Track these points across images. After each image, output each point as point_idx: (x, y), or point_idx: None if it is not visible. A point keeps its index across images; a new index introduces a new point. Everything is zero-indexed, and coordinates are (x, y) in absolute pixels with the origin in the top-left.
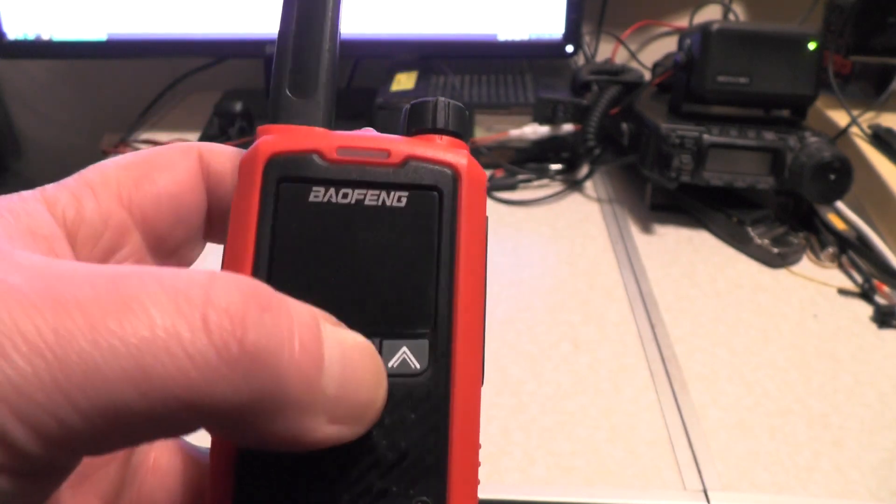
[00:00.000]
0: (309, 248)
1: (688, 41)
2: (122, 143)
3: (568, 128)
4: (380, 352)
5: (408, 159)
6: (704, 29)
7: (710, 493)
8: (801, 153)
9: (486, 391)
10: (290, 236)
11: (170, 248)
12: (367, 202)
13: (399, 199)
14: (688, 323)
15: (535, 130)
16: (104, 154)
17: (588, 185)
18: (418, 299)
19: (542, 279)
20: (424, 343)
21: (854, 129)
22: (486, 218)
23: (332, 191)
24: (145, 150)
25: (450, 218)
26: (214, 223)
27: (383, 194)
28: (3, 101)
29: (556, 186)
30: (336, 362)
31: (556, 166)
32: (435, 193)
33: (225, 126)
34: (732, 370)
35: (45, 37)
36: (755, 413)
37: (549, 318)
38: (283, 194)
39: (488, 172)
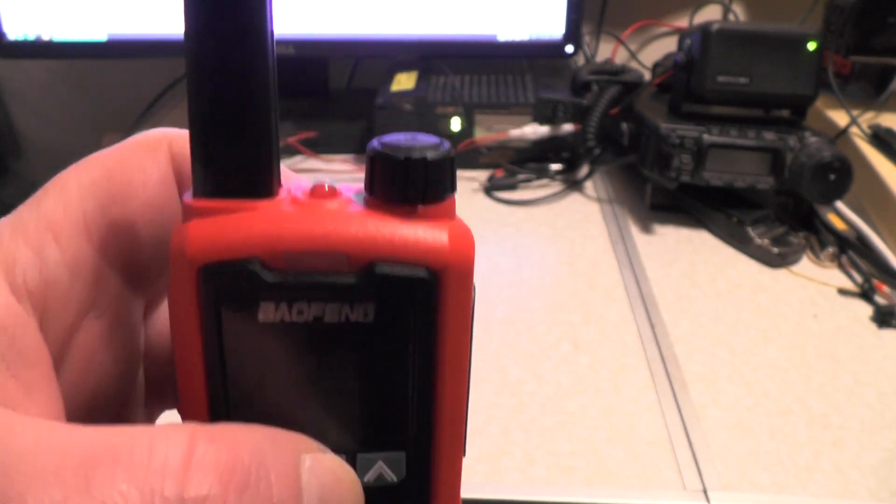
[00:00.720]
0: (268, 373)
1: (688, 41)
2: None
3: (568, 128)
4: (353, 465)
5: (372, 263)
6: (704, 29)
7: (710, 493)
8: (801, 153)
9: (486, 391)
10: (243, 363)
11: (152, 274)
12: (326, 319)
13: (365, 314)
14: (688, 323)
15: (535, 130)
16: None
17: (588, 185)
18: (393, 414)
19: (542, 279)
20: (401, 455)
21: (854, 129)
22: (472, 299)
23: (283, 307)
24: (109, 157)
25: (427, 325)
26: None
27: (346, 308)
28: (3, 101)
29: (556, 186)
30: (314, 498)
31: (556, 166)
32: (408, 303)
33: None
34: (732, 370)
35: (45, 37)
36: (755, 413)
37: (549, 318)
38: (226, 315)
39: (488, 172)
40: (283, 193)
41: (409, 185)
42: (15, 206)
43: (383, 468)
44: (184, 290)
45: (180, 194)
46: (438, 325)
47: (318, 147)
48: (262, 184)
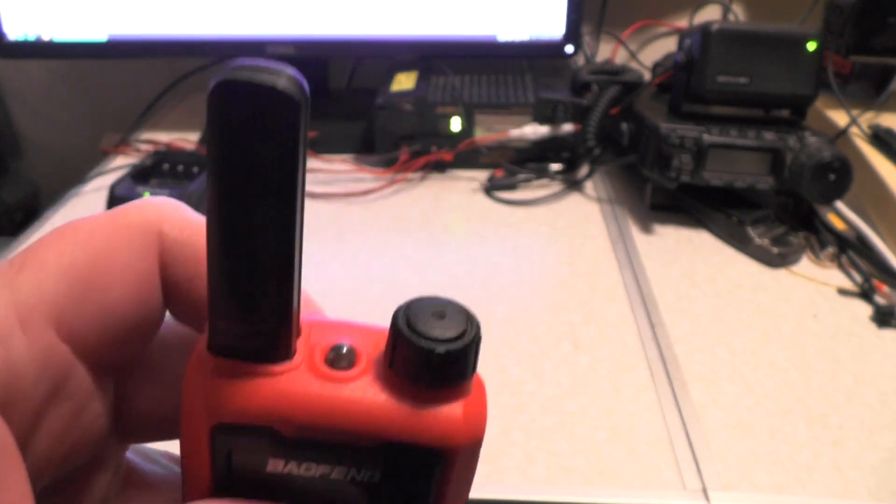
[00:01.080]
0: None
1: (688, 41)
2: (123, 143)
3: (568, 128)
4: None
5: (387, 443)
6: (704, 29)
7: (710, 493)
8: (801, 153)
9: (486, 391)
10: (250, 490)
11: (123, 359)
12: (332, 476)
13: (371, 476)
14: (688, 323)
15: (535, 130)
16: (104, 154)
17: (588, 185)
18: None
19: (542, 279)
20: None
21: (854, 129)
22: (476, 464)
23: (292, 464)
24: (95, 237)
25: (432, 487)
26: (172, 302)
27: (353, 471)
28: (3, 101)
29: (556, 186)
30: None
31: (556, 166)
32: (415, 471)
33: None
34: (732, 370)
35: (45, 37)
36: (755, 413)
37: (549, 318)
38: (235, 458)
39: (488, 172)
40: (299, 355)
41: (430, 374)
42: (15, 206)
43: None
44: (197, 434)
45: (162, 283)
46: (443, 486)
47: (318, 147)
48: (280, 351)
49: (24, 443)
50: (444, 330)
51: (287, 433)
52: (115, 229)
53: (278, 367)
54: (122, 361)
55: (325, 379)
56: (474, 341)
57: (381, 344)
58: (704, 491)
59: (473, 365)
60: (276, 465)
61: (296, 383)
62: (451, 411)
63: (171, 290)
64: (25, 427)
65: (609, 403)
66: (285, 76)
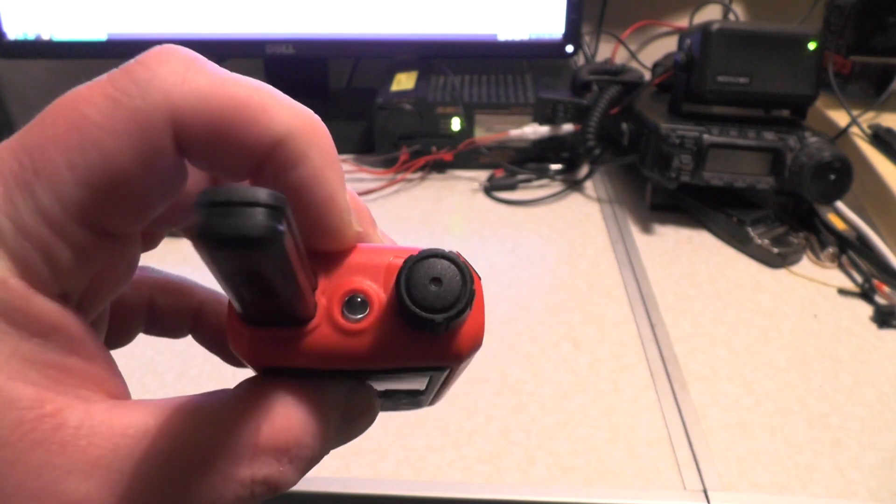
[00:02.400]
0: None
1: (688, 41)
2: None
3: (568, 128)
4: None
5: (402, 368)
6: (704, 29)
7: (710, 493)
8: (801, 153)
9: (486, 391)
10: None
11: (153, 229)
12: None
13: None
14: (688, 323)
15: (535, 130)
16: None
17: (588, 185)
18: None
19: (542, 279)
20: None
21: (854, 129)
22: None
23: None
24: (105, 138)
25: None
26: (194, 158)
27: (381, 374)
28: (3, 101)
29: (556, 186)
30: (337, 424)
31: (556, 166)
32: (428, 377)
33: None
34: (732, 370)
35: (45, 37)
36: (755, 413)
37: (549, 318)
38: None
39: (488, 172)
40: (319, 310)
41: (430, 333)
42: None
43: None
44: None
45: (179, 148)
46: (448, 379)
47: None
48: (301, 318)
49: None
50: (440, 299)
51: (324, 367)
52: (121, 120)
53: (304, 329)
54: (150, 231)
55: (344, 332)
56: (469, 301)
57: (388, 278)
58: (704, 491)
59: (468, 305)
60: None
61: (320, 340)
62: (453, 341)
63: (191, 151)
64: (77, 299)
65: (609, 403)
66: (259, 222)
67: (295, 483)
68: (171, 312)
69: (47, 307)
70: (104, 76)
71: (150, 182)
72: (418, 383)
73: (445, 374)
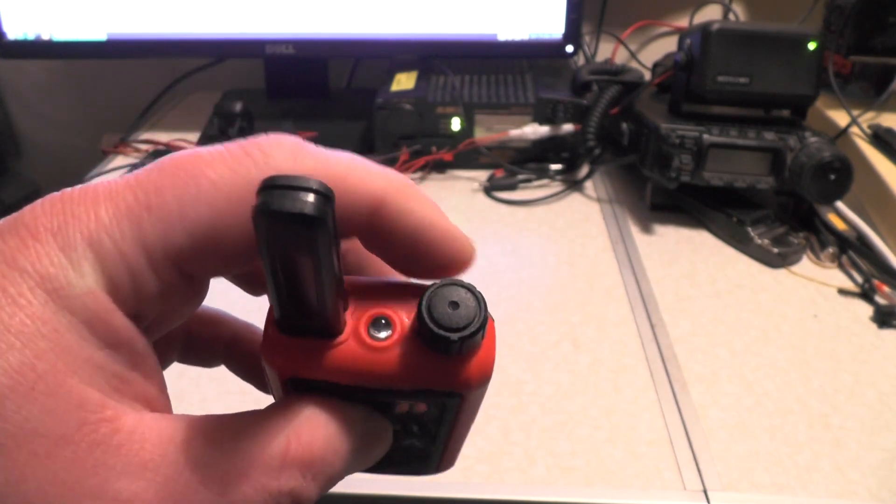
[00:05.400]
0: None
1: (688, 41)
2: (122, 143)
3: (568, 128)
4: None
5: (419, 392)
6: (704, 29)
7: (710, 494)
8: (801, 153)
9: (495, 335)
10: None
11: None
12: (382, 399)
13: (409, 405)
14: (688, 323)
15: (535, 130)
16: (104, 154)
17: (588, 185)
18: (422, 438)
19: (542, 279)
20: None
21: (854, 129)
22: (482, 399)
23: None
24: (211, 201)
25: (451, 417)
26: None
27: (396, 397)
28: (3, 101)
29: (556, 186)
30: (357, 449)
31: (556, 166)
32: (440, 407)
33: (224, 126)
34: (732, 370)
35: (45, 37)
36: (755, 413)
37: (549, 318)
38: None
39: (488, 172)
40: (347, 328)
41: (447, 352)
42: (15, 206)
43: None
44: (276, 384)
45: None
46: (458, 413)
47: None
48: (331, 331)
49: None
50: (457, 320)
51: (344, 382)
52: (235, 187)
53: (332, 342)
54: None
55: (368, 348)
56: (482, 325)
57: (411, 307)
58: (704, 491)
59: (482, 333)
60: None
61: (346, 354)
62: (465, 367)
63: None
64: (148, 325)
65: (609, 403)
66: (310, 202)
67: (314, 500)
68: (206, 342)
69: (124, 324)
70: (222, 147)
71: (247, 245)
72: (427, 430)
73: (454, 411)
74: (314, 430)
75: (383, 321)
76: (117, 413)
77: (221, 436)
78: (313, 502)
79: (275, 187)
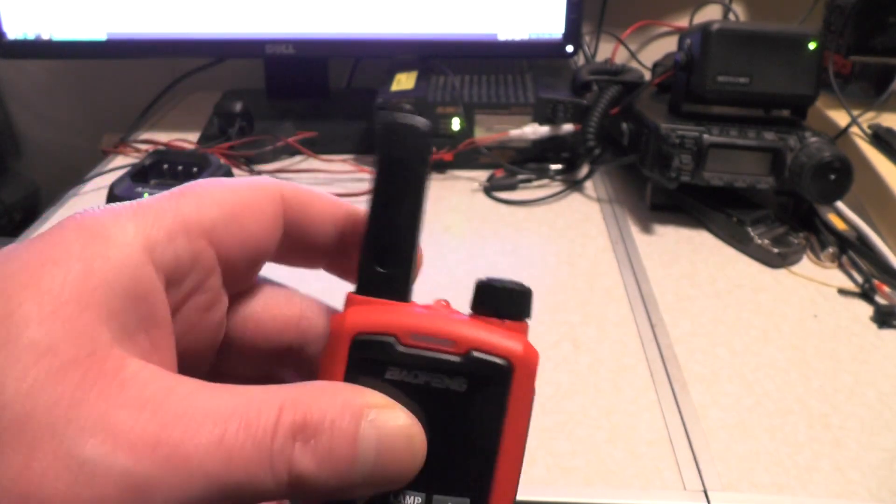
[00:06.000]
0: None
1: (688, 41)
2: (122, 143)
3: (568, 128)
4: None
5: (470, 350)
6: (704, 29)
7: (710, 494)
8: (802, 153)
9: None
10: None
11: (239, 280)
12: (433, 384)
13: (460, 385)
14: (688, 323)
15: (535, 130)
16: (104, 154)
17: (588, 185)
18: (466, 468)
19: (542, 279)
20: (466, 501)
21: (854, 129)
22: (534, 395)
23: (405, 372)
24: (236, 187)
25: (502, 403)
26: (284, 252)
27: (447, 379)
28: (3, 101)
29: (556, 186)
30: (371, 449)
31: (556, 166)
32: (491, 382)
33: (224, 126)
34: (732, 370)
35: (45, 36)
36: (755, 413)
37: (549, 318)
38: (364, 369)
39: (488, 172)
40: (413, 301)
41: (500, 307)
42: (15, 206)
43: None
44: (339, 350)
45: (285, 230)
46: (508, 405)
47: (317, 147)
48: (402, 294)
49: (173, 316)
50: (509, 282)
51: (404, 341)
52: (252, 186)
53: (400, 304)
54: (241, 280)
55: (432, 309)
56: (530, 292)
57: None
58: (705, 491)
59: (528, 310)
60: (393, 374)
61: (412, 309)
62: (516, 337)
63: (288, 232)
64: (173, 308)
65: (609, 403)
66: (421, 120)
67: (316, 483)
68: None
69: (151, 278)
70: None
71: (267, 227)
72: (473, 449)
73: (502, 407)
74: (315, 398)
75: (443, 302)
76: (122, 356)
77: (223, 391)
78: (316, 486)
79: (395, 109)
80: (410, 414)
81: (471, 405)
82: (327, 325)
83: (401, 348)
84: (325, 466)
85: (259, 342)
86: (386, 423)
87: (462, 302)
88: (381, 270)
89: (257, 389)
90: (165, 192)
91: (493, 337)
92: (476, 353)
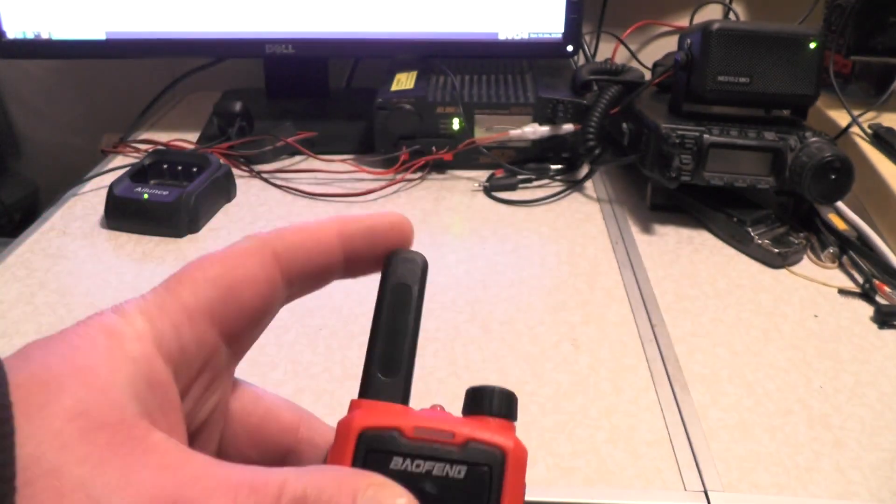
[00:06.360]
0: None
1: (688, 41)
2: (122, 143)
3: (568, 128)
4: None
5: (468, 441)
6: (705, 28)
7: (710, 494)
8: (802, 153)
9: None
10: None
11: (242, 348)
12: (434, 473)
13: (459, 472)
14: (688, 323)
15: (535, 130)
16: (103, 154)
17: (588, 185)
18: None
19: (542, 279)
20: None
21: (855, 129)
22: (525, 486)
23: (408, 462)
24: (228, 262)
25: (497, 489)
26: (296, 291)
27: (447, 467)
28: (3, 101)
29: (556, 186)
30: None
31: (556, 166)
32: (486, 469)
33: (224, 126)
34: (733, 370)
35: (45, 36)
36: (755, 413)
37: (549, 318)
38: (370, 461)
39: (488, 172)
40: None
41: (492, 406)
42: (15, 206)
43: None
44: (345, 445)
45: (282, 281)
46: (503, 491)
47: (317, 147)
48: (403, 398)
49: (182, 398)
50: (499, 388)
51: (408, 434)
52: (240, 252)
53: (403, 406)
54: (245, 344)
55: (429, 411)
56: (515, 395)
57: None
58: (705, 492)
59: (515, 413)
60: (395, 464)
61: (413, 410)
62: (507, 433)
63: (290, 278)
64: (184, 388)
65: (609, 403)
66: (421, 256)
67: None
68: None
69: (163, 369)
70: None
71: (261, 295)
72: None
73: (497, 486)
74: (317, 475)
75: (438, 407)
76: (148, 426)
77: (233, 465)
78: None
79: (399, 252)
80: (409, 492)
81: (469, 491)
82: (326, 436)
83: (405, 440)
84: None
85: (259, 443)
86: (384, 499)
87: (458, 299)
88: (384, 378)
89: (264, 468)
90: (164, 283)
91: (487, 431)
92: (473, 444)
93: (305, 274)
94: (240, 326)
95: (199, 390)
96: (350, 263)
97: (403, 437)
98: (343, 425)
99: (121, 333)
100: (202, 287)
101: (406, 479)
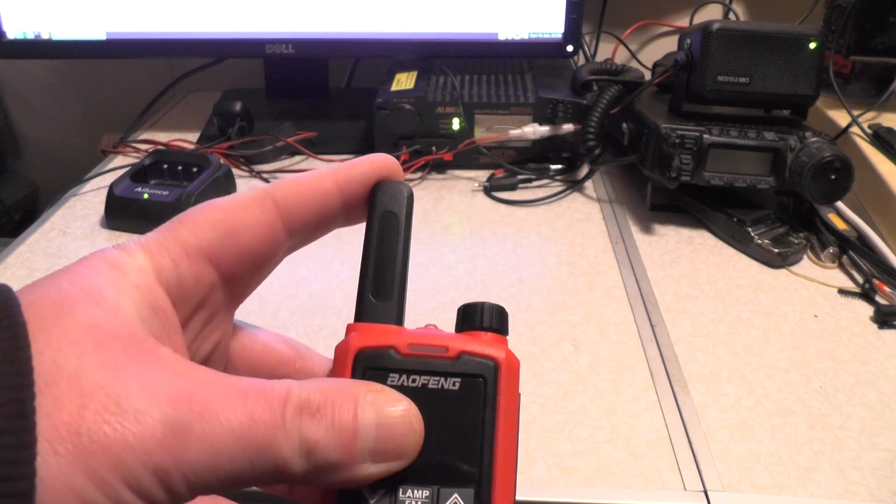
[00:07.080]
0: None
1: (688, 41)
2: (122, 143)
3: (568, 128)
4: (437, 498)
5: (460, 354)
6: (705, 28)
7: (710, 494)
8: (802, 153)
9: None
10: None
11: (243, 291)
12: (429, 386)
13: (454, 384)
14: (688, 323)
15: (535, 130)
16: (103, 154)
17: (588, 185)
18: (467, 461)
19: (542, 279)
20: (471, 492)
21: (854, 129)
22: (519, 395)
23: (404, 377)
24: (228, 207)
25: (492, 398)
26: (302, 238)
27: (442, 380)
28: (3, 101)
29: (556, 186)
30: (371, 424)
31: (556, 166)
32: (481, 380)
33: (224, 126)
34: (733, 370)
35: (45, 36)
36: (755, 413)
37: (549, 318)
38: (368, 378)
39: (488, 172)
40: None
41: (483, 319)
42: (15, 206)
43: (458, 500)
44: (343, 366)
45: (283, 228)
46: (498, 400)
47: (317, 147)
48: (396, 320)
49: (183, 329)
50: (489, 303)
51: (402, 351)
52: (243, 202)
53: (397, 326)
54: (246, 289)
55: (424, 329)
56: (505, 310)
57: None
58: (705, 492)
59: (506, 327)
60: (392, 379)
61: (407, 330)
62: (499, 346)
63: (293, 226)
64: (184, 320)
65: (609, 403)
66: (406, 185)
67: (329, 456)
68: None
69: (163, 298)
70: None
71: (260, 239)
72: (468, 444)
73: (492, 402)
74: (318, 384)
75: (432, 326)
76: (156, 343)
77: (241, 377)
78: (326, 455)
79: (385, 182)
80: (407, 398)
81: (464, 402)
82: (322, 367)
83: (400, 356)
84: (331, 436)
85: (259, 377)
86: (383, 402)
87: (459, 299)
88: (377, 301)
89: (269, 380)
90: (166, 224)
91: (479, 344)
92: (466, 357)
93: (306, 221)
94: (239, 269)
95: (198, 325)
96: (349, 210)
97: (398, 353)
98: (340, 347)
99: (123, 264)
100: (202, 228)
101: (403, 394)
